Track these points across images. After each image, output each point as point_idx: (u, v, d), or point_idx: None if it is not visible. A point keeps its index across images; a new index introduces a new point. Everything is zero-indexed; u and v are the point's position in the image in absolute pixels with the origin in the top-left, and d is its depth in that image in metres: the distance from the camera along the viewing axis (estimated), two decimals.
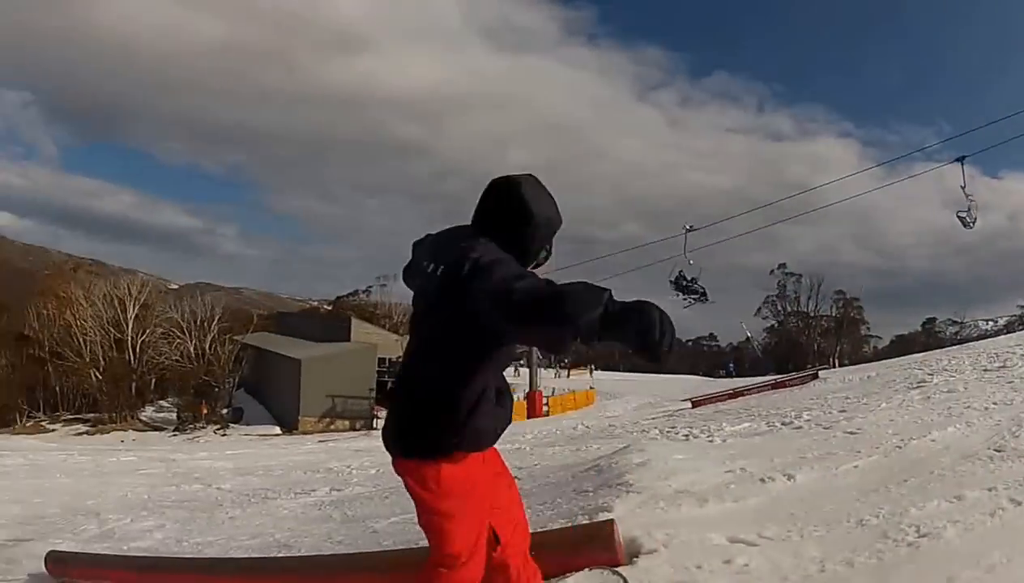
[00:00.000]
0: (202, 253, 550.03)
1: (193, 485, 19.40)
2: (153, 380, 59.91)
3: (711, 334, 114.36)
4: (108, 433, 49.89)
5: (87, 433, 51.98)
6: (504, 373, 3.36)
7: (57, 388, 66.33)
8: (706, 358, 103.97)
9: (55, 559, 9.11)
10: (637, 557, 4.76)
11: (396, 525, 10.86)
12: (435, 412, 3.13)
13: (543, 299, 2.68)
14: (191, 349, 54.39)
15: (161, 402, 60.94)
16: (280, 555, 9.29)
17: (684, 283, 36.25)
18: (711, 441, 14.83)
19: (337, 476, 19.91)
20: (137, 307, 57.42)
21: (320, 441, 36.37)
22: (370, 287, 75.53)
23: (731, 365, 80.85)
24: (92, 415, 59.41)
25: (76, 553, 9.84)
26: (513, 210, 3.16)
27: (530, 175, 3.26)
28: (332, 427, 45.79)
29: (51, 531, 14.22)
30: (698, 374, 76.26)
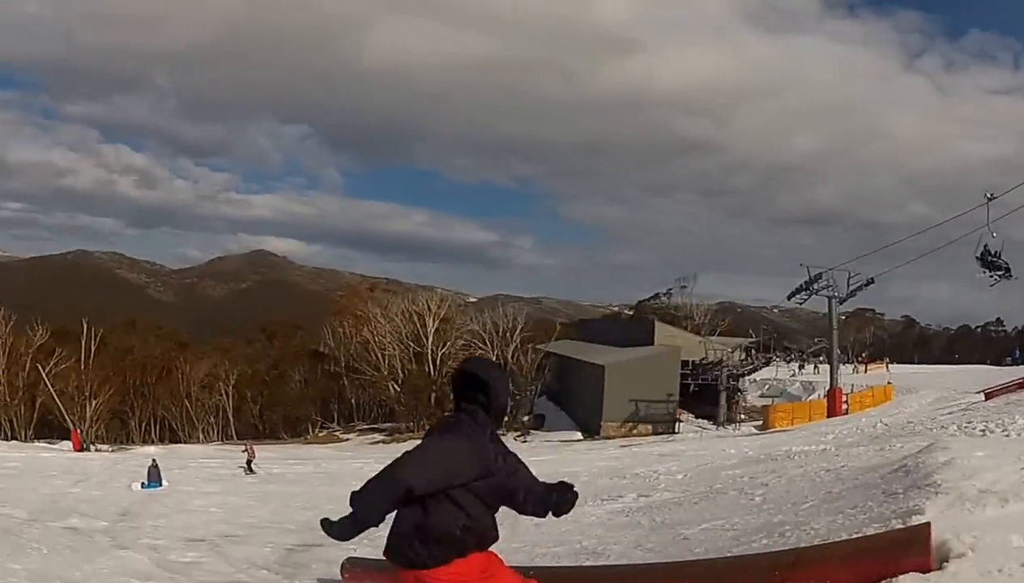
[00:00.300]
0: (499, 266, 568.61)
1: None
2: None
3: (998, 319, 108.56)
4: (404, 442, 50.42)
5: (383, 442, 55.02)
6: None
7: (352, 400, 71.90)
8: (994, 345, 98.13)
9: (351, 564, 9.65)
10: (947, 561, 4.65)
11: (707, 531, 11.07)
12: None
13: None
14: (493, 359, 53.52)
15: None
16: (588, 563, 9.59)
17: (989, 258, 34.21)
18: (1007, 435, 14.08)
19: (644, 481, 20.26)
20: (437, 321, 60.02)
21: (623, 446, 36.78)
22: (670, 289, 75.60)
23: (1017, 352, 74.88)
24: (389, 425, 63.35)
25: (373, 559, 9.90)
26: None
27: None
28: (634, 432, 45.95)
29: None
30: (985, 363, 72.41)
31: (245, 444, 39.62)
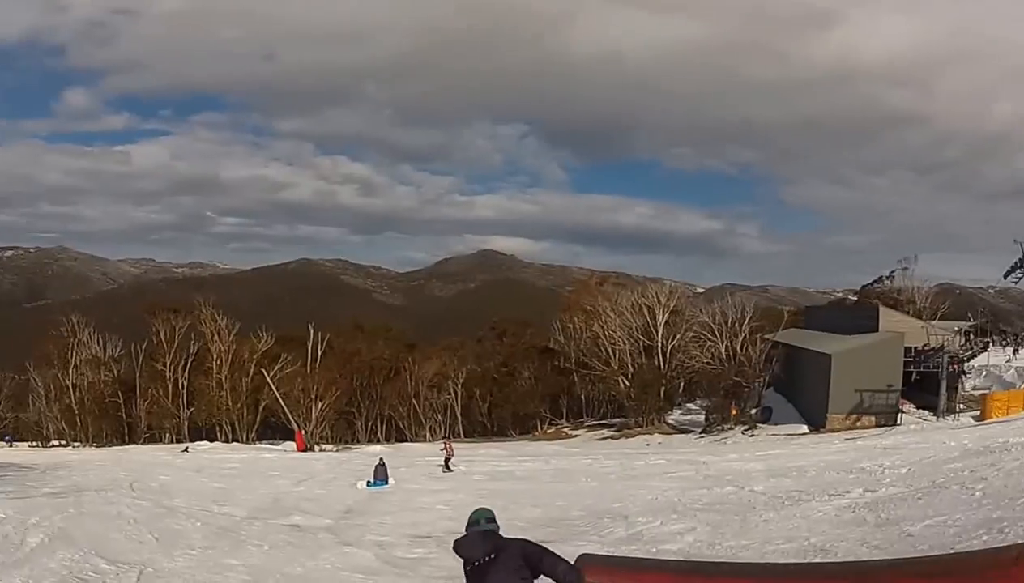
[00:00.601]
0: (725, 255, 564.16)
1: (725, 487, 19.65)
2: (681, 384, 62.42)
3: None
4: (633, 437, 52.35)
5: (611, 438, 55.05)
6: None
7: (582, 396, 72.23)
8: None
9: (586, 561, 10.28)
10: None
11: (931, 528, 11.18)
12: None
13: None
14: (722, 351, 54.71)
15: (689, 405, 64.10)
16: (817, 561, 9.42)
17: None
18: None
19: (869, 476, 19.49)
20: (666, 313, 59.57)
21: (847, 439, 35.32)
22: (892, 272, 72.73)
23: None
24: (617, 420, 63.38)
25: (609, 556, 10.66)
26: None
27: None
28: (858, 424, 44.31)
29: (573, 534, 15.26)
30: None
31: (444, 442, 40.16)
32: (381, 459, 31.24)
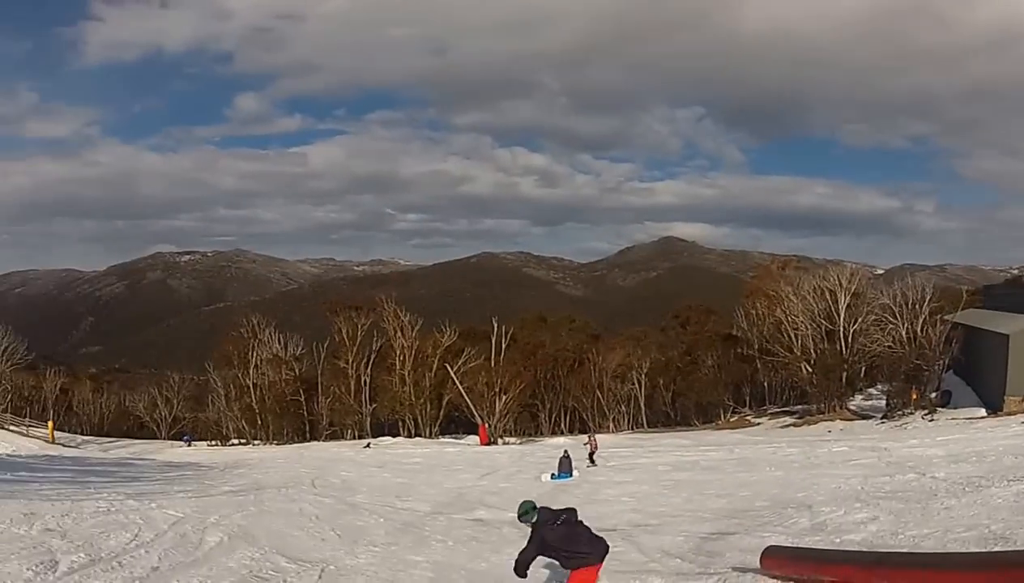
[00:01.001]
0: (902, 234, 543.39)
1: (907, 474, 19.43)
2: (862, 369, 61.16)
3: None
4: (815, 424, 51.72)
5: (793, 425, 54.41)
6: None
7: (764, 383, 71.80)
8: None
9: (772, 552, 10.03)
10: None
11: None
12: None
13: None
14: (902, 333, 53.65)
15: (870, 390, 63.09)
16: (998, 549, 9.41)
17: None
18: None
19: None
20: (848, 296, 58.26)
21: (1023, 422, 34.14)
22: None
23: None
24: (799, 407, 62.81)
25: (793, 547, 10.77)
26: None
27: None
28: None
29: (758, 525, 15.39)
30: None
31: (588, 437, 39.99)
32: (565, 451, 31.62)
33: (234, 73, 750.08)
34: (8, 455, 40.55)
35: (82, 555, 12.57)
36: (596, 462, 35.03)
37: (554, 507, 10.39)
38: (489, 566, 14.02)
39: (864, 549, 10.57)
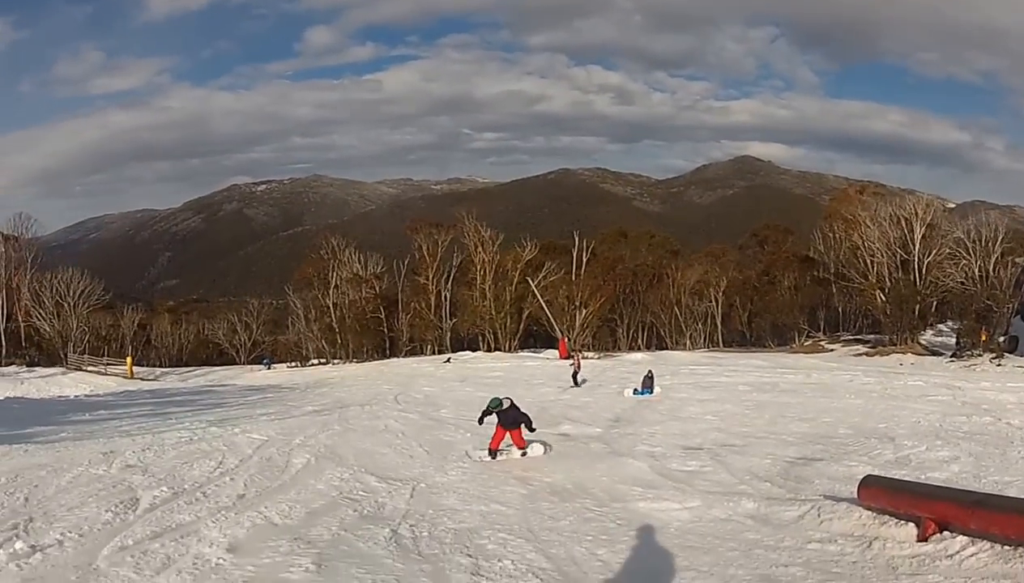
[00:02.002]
0: (975, 169, 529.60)
1: (983, 417, 19.65)
2: (934, 303, 60.43)
3: None
4: (887, 355, 51.52)
5: (866, 354, 54.27)
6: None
7: (839, 309, 72.02)
8: None
9: (870, 483, 10.20)
10: None
11: None
12: None
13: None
14: (975, 271, 53.12)
15: (940, 326, 62.04)
16: None
17: None
18: None
19: None
20: (923, 227, 57.72)
21: None
22: None
23: None
24: (872, 336, 62.98)
25: (894, 480, 10.92)
26: None
27: None
28: None
29: (843, 453, 15.83)
30: None
31: (574, 355, 40.89)
32: (649, 370, 31.74)
33: (303, 8, 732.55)
34: (86, 396, 39.96)
35: (164, 489, 12.51)
36: (579, 383, 35.74)
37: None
38: (579, 481, 13.92)
39: (964, 489, 10.70)
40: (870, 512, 9.71)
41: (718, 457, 15.76)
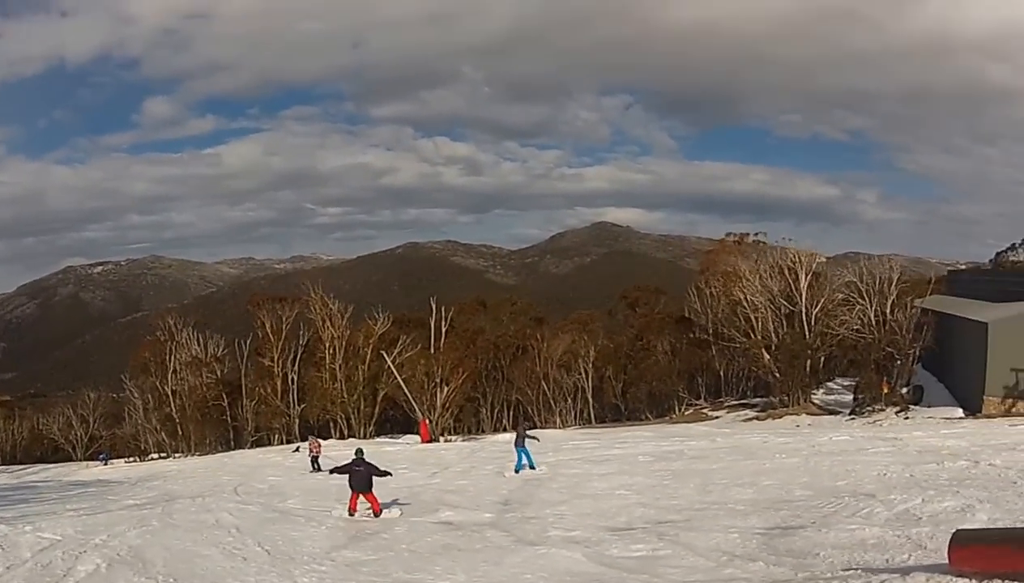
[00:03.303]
0: (844, 222, 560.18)
1: (957, 461, 18.72)
2: (822, 358, 59.31)
3: None
4: (779, 417, 50.66)
5: (756, 418, 53.38)
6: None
7: (720, 372, 70.33)
8: None
9: (965, 541, 8.58)
10: None
11: None
12: None
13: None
14: (871, 316, 51.66)
15: (829, 384, 60.84)
16: None
17: None
18: None
19: None
20: (809, 275, 56.89)
21: (1011, 425, 32.16)
22: (1014, 244, 71.51)
23: None
24: (759, 399, 61.90)
25: (1006, 530, 9.86)
26: None
27: None
28: (1014, 409, 40.09)
29: (824, 516, 14.24)
30: None
31: (310, 440, 41.08)
32: (523, 422, 33.64)
33: (142, 78, 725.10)
34: None
35: None
36: (320, 466, 36.29)
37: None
38: (497, 581, 11.97)
39: None
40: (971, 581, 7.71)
41: (665, 537, 13.89)
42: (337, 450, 48.48)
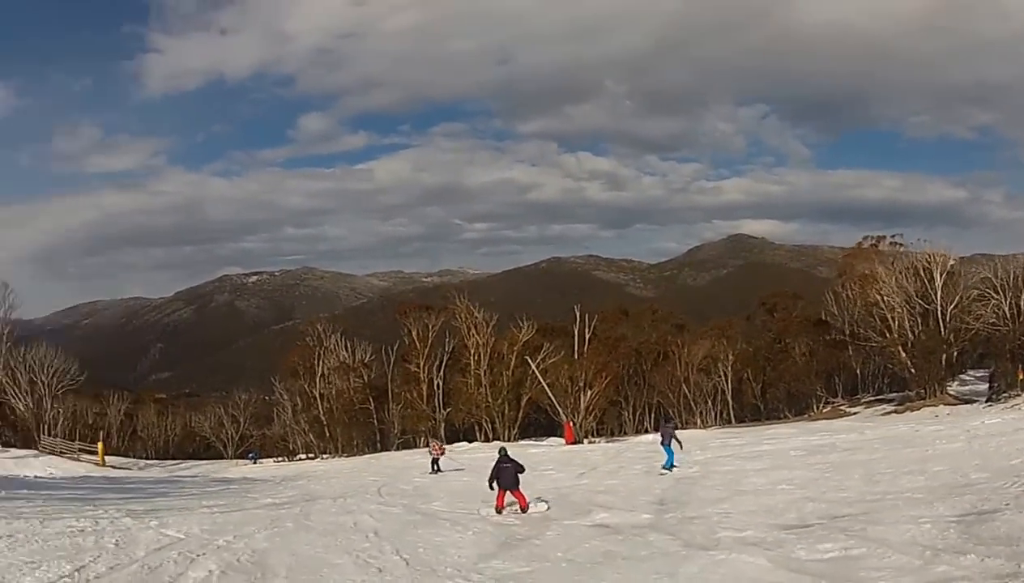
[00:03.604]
0: (971, 224, 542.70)
1: None
2: (955, 352, 58.78)
3: None
4: (917, 410, 50.41)
5: (894, 412, 53.02)
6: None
7: (857, 371, 70.50)
8: None
9: None
10: None
11: None
12: None
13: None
14: (1005, 309, 52.65)
15: (962, 376, 61.49)
16: None
17: None
18: None
19: None
20: (944, 274, 56.79)
21: None
22: None
23: None
24: (896, 394, 61.71)
25: None
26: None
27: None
28: None
29: (1012, 496, 13.67)
30: None
31: (432, 443, 40.37)
32: (668, 417, 31.56)
33: (297, 95, 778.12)
34: (36, 477, 37.32)
35: None
36: (441, 468, 36.27)
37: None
38: None
39: None
40: None
41: (850, 533, 12.51)
42: (483, 452, 48.27)
